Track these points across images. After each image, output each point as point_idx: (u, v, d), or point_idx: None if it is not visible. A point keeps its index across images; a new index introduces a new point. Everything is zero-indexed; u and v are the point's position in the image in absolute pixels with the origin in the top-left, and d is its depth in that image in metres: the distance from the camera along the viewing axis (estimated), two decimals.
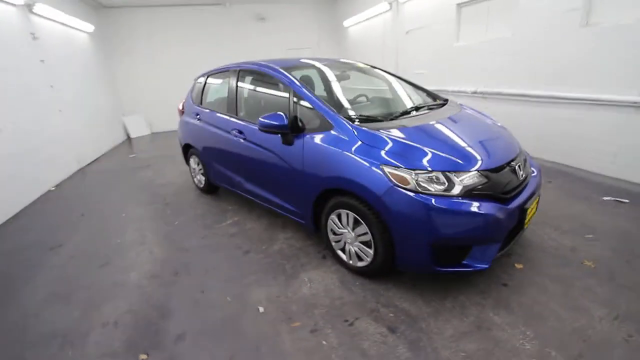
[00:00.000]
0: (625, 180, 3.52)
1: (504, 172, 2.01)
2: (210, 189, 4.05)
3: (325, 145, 2.23)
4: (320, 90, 2.96)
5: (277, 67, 2.79)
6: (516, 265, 2.31)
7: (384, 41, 7.83)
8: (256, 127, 2.76)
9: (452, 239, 1.83)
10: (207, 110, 3.61)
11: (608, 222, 2.77)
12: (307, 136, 2.36)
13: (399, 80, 3.22)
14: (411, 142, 2.02)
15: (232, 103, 3.21)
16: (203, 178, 4.03)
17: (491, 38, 4.99)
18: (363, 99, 3.04)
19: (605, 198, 3.15)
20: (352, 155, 2.06)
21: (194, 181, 4.38)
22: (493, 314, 1.89)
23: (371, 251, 2.12)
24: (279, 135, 2.52)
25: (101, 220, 3.66)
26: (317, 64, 3.03)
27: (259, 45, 9.86)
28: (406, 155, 1.93)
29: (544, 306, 1.92)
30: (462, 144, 2.08)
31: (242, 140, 2.99)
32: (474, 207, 1.81)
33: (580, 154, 3.98)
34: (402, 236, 1.91)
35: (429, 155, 1.93)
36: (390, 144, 2.01)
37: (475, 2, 5.15)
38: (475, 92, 5.32)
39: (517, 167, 2.11)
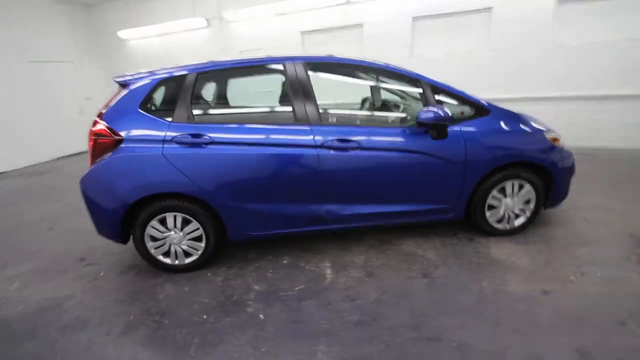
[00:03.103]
0: None
1: None
2: (210, 257, 2.46)
3: (493, 130, 2.43)
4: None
5: (389, 64, 2.42)
6: None
7: (203, 59, 7.11)
8: (388, 129, 2.36)
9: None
10: (234, 126, 2.24)
11: None
12: (462, 126, 2.40)
13: None
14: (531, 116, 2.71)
15: (309, 108, 2.28)
16: (202, 243, 2.38)
17: None
18: None
19: None
20: (523, 132, 2.47)
21: (157, 261, 2.40)
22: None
23: (532, 206, 2.62)
24: (424, 132, 2.33)
25: None
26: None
27: None
28: (544, 124, 2.62)
29: None
30: None
31: (350, 152, 2.28)
32: None
33: None
34: (561, 180, 2.59)
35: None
36: (533, 118, 2.61)
37: (320, 32, 6.19)
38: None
39: None
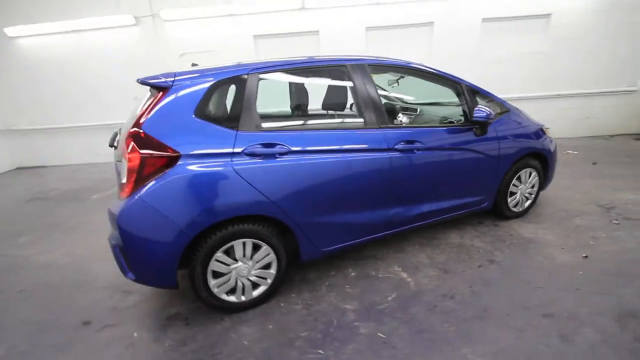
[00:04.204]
0: None
1: None
2: (279, 285, 2.15)
3: (514, 126, 2.79)
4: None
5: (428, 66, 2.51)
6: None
7: (131, 62, 6.04)
8: (442, 129, 2.48)
9: None
10: (309, 133, 2.02)
11: None
12: (494, 123, 2.67)
13: None
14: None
15: (377, 109, 2.20)
16: (272, 270, 2.06)
17: None
18: None
19: None
20: (531, 126, 2.90)
21: (221, 302, 1.96)
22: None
23: (535, 189, 3.09)
24: (467, 130, 2.55)
25: None
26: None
27: None
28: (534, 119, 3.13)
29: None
30: None
31: (415, 153, 2.31)
32: None
33: None
34: (553, 165, 3.13)
35: None
36: (528, 114, 3.08)
37: (275, 37, 5.98)
38: None
39: None
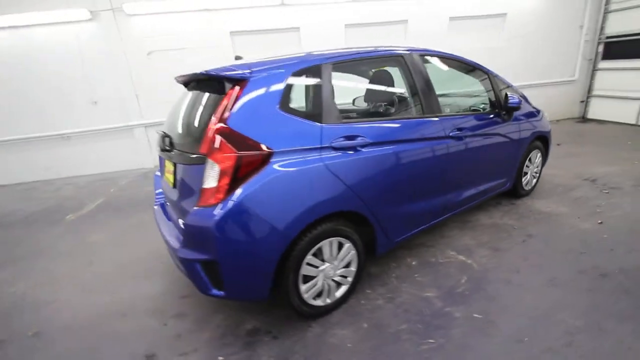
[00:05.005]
0: None
1: None
2: (358, 282, 2.08)
3: (527, 110, 3.04)
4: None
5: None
6: None
7: (87, 62, 5.29)
8: (478, 116, 2.59)
9: None
10: (385, 123, 2.01)
11: None
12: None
13: None
14: None
15: (433, 97, 2.23)
16: (353, 268, 1.99)
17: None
18: None
19: None
20: (535, 110, 3.20)
21: (309, 307, 1.82)
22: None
23: (540, 168, 3.42)
24: (495, 116, 2.73)
25: None
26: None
27: None
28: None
29: None
30: None
31: (463, 139, 2.40)
32: None
33: None
34: (550, 141, 3.46)
35: None
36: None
37: (254, 33, 5.71)
38: None
39: None
